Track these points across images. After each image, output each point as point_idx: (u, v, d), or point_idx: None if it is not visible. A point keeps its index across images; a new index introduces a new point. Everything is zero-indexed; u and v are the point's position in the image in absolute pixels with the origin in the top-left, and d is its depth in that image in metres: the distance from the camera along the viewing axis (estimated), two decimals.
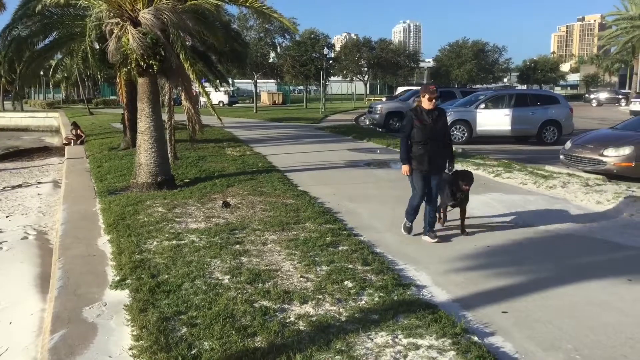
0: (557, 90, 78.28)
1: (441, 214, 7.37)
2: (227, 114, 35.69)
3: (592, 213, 8.16)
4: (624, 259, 6.02)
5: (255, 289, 4.91)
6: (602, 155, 11.46)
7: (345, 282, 5.08)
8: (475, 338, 4.00)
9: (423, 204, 6.77)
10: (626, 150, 11.21)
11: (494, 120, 18.74)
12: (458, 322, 4.21)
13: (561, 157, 12.64)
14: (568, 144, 12.77)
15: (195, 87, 11.79)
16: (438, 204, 7.10)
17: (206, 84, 20.41)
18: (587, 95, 62.89)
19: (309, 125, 27.12)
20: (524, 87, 75.56)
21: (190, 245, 6.29)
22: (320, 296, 4.77)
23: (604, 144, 11.74)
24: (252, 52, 37.69)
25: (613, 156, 11.29)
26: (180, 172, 11.49)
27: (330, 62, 54.78)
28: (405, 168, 6.58)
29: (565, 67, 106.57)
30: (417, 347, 3.84)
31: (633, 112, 29.76)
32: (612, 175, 11.07)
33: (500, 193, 9.66)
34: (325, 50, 48.54)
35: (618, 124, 13.94)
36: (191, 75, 9.75)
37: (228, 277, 5.25)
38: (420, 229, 6.85)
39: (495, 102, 19.26)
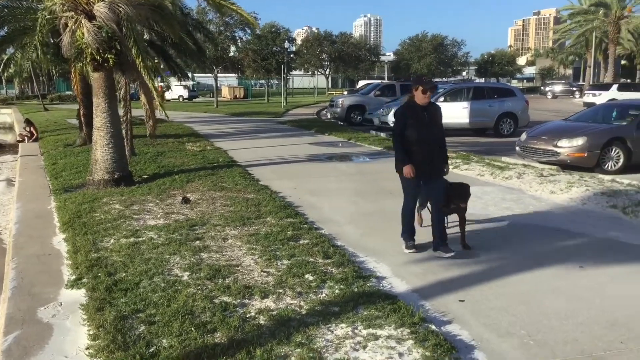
0: (514, 83, 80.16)
1: (420, 216, 6.85)
2: (187, 109, 35.30)
3: (546, 202, 8.39)
4: (576, 247, 6.21)
5: (215, 285, 4.88)
6: (556, 146, 11.78)
7: (306, 276, 5.09)
8: (433, 327, 4.08)
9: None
10: (579, 141, 11.55)
11: (452, 113, 18.94)
12: (416, 311, 4.28)
13: (517, 148, 12.94)
14: (523, 136, 13.08)
15: (161, 82, 11.58)
16: (417, 205, 6.48)
17: (159, 79, 20.11)
18: (542, 87, 64.35)
19: (271, 120, 27.02)
20: (482, 80, 76.93)
21: (149, 242, 6.20)
22: (281, 290, 4.78)
23: (557, 136, 12.06)
24: (211, 46, 37.26)
25: (566, 147, 11.62)
26: (139, 168, 11.30)
27: (292, 55, 54.64)
28: (407, 169, 5.67)
29: (521, 61, 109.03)
30: (377, 338, 3.89)
31: (586, 104, 30.59)
32: (566, 166, 11.39)
33: None
34: (286, 44, 48.42)
35: (571, 115, 14.34)
36: (142, 71, 9.56)
37: (187, 273, 5.20)
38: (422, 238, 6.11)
39: (453, 95, 19.53)
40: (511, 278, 5.20)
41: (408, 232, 6.00)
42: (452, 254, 5.71)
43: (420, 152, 5.69)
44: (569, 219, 7.40)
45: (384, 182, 10.17)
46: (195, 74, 58.67)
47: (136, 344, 3.83)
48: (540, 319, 4.29)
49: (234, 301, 4.53)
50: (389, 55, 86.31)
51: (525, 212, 7.81)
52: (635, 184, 9.28)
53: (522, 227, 7.09)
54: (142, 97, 11.61)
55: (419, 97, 5.73)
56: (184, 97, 53.84)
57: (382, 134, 18.38)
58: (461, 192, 6.20)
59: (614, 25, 48.66)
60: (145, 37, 14.03)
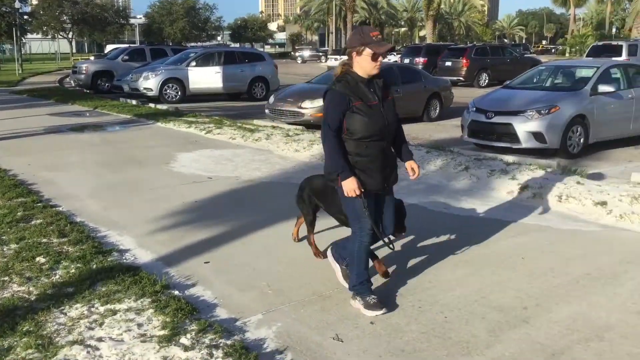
0: (267, 49, 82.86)
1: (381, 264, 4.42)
2: None
3: (291, 160, 8.92)
4: None
5: None
6: (300, 107, 12.54)
7: (37, 259, 4.63)
8: (176, 292, 4.06)
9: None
10: (320, 102, 12.39)
11: (205, 78, 18.99)
12: (159, 280, 4.21)
13: (266, 111, 13.47)
14: (272, 99, 13.66)
15: None
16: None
17: None
18: (293, 53, 67.91)
19: (2, 90, 23.85)
20: (237, 45, 78.12)
21: None
22: (6, 278, 4.27)
23: (301, 97, 12.84)
24: None
25: (309, 108, 12.45)
26: None
27: (25, 17, 48.54)
28: (351, 184, 3.57)
29: (273, 26, 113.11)
30: (115, 312, 3.72)
31: (330, 68, 33.09)
32: (310, 125, 12.21)
33: (210, 149, 9.89)
34: (17, 4, 42.68)
35: (313, 78, 15.36)
36: None
37: None
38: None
39: (205, 60, 19.46)
40: (255, 234, 5.42)
41: (367, 281, 3.88)
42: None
43: (372, 154, 3.69)
44: (309, 174, 7.94)
45: (132, 150, 9.78)
46: None
47: None
48: (280, 269, 4.57)
49: None
50: (140, 18, 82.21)
51: (272, 171, 8.20)
52: None
53: (268, 185, 7.45)
54: None
55: (365, 65, 3.62)
56: None
57: (133, 101, 17.55)
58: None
59: None
60: None
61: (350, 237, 3.89)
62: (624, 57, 21.00)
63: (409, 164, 3.95)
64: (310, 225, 4.78)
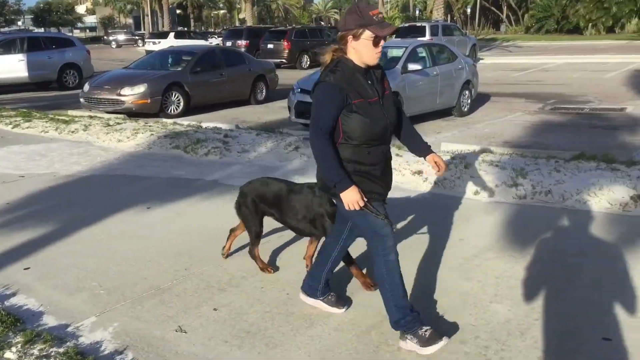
0: (77, 33, 77.06)
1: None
2: None
3: (114, 152, 8.42)
4: (143, 190, 6.43)
5: None
6: (119, 94, 11.88)
7: None
8: None
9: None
10: (141, 88, 11.89)
11: (7, 67, 17.13)
12: None
13: (81, 100, 12.55)
14: (86, 87, 12.75)
15: None
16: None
17: None
18: (106, 37, 63.76)
19: None
20: (42, 30, 71.41)
21: None
22: None
23: (120, 84, 12.15)
24: None
25: (130, 95, 11.84)
26: None
27: None
28: (353, 194, 2.92)
29: (81, 9, 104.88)
30: None
31: (148, 52, 31.67)
32: (133, 113, 11.65)
33: (19, 145, 8.97)
34: None
35: (132, 63, 14.60)
36: None
37: None
38: None
39: (5, 47, 17.55)
40: (81, 233, 5.05)
41: (411, 311, 3.18)
42: (345, 307, 3.64)
43: (375, 161, 3.09)
44: (136, 164, 7.60)
45: None
46: None
47: None
48: (110, 266, 4.31)
49: None
50: None
51: (93, 164, 7.67)
52: (194, 124, 10.13)
53: (89, 179, 6.96)
54: None
55: (364, 52, 2.97)
56: None
57: None
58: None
59: None
60: None
61: (374, 260, 3.19)
62: (427, 37, 22.94)
63: (431, 158, 3.32)
64: (257, 237, 4.11)
